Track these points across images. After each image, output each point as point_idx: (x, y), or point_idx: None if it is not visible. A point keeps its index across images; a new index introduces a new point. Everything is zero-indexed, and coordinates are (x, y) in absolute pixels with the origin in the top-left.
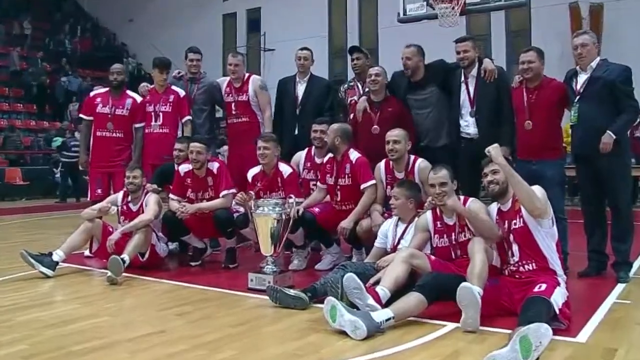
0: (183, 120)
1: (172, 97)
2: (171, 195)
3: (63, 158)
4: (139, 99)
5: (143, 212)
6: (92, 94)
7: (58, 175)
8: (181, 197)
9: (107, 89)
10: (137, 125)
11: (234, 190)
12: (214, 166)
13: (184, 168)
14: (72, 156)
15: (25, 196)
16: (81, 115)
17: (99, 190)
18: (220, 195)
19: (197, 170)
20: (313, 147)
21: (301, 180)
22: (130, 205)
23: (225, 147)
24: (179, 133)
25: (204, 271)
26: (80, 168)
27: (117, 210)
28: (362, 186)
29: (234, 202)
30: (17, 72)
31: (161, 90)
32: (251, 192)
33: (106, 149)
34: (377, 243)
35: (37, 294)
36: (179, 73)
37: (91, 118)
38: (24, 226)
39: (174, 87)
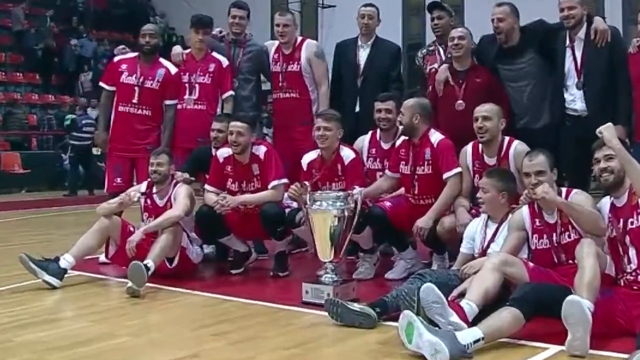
0: (224, 96)
1: (212, 66)
2: (207, 187)
3: (73, 140)
4: (173, 70)
5: (171, 207)
6: (116, 59)
7: (67, 161)
8: (220, 189)
9: (135, 54)
10: (168, 102)
11: (285, 181)
12: (261, 150)
13: (223, 153)
14: (84, 138)
15: (26, 187)
16: (102, 84)
17: (119, 180)
18: (269, 186)
19: (239, 156)
20: (378, 130)
21: (366, 170)
22: (156, 198)
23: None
24: (218, 110)
25: (248, 281)
26: (96, 151)
27: (140, 205)
28: (445, 175)
29: (285, 196)
30: (21, 33)
31: (199, 57)
32: (306, 182)
33: (129, 128)
34: (464, 248)
35: (41, 308)
36: (220, 32)
37: (113, 88)
38: (24, 225)
39: (215, 54)
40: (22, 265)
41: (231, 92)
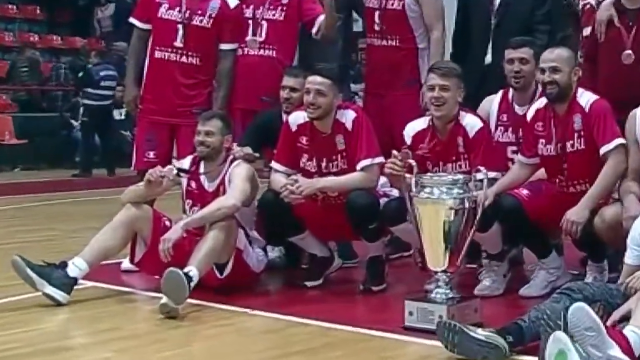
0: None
1: None
2: (274, 165)
3: (86, 99)
4: (232, 1)
5: (224, 193)
6: None
7: (77, 129)
8: (291, 169)
9: None
10: (225, 47)
11: (380, 159)
12: (348, 117)
13: (297, 119)
14: (102, 96)
15: (20, 164)
16: (133, 20)
17: (151, 154)
18: (358, 166)
19: (318, 123)
20: (510, 89)
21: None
22: (204, 181)
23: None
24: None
25: (328, 297)
26: (119, 114)
27: (181, 190)
28: (603, 149)
29: (381, 181)
30: None
31: None
32: (407, 151)
33: (169, 82)
34: (629, 257)
35: (41, 334)
36: None
37: (149, 26)
38: (18, 217)
39: None
40: (15, 272)
41: (316, 30)
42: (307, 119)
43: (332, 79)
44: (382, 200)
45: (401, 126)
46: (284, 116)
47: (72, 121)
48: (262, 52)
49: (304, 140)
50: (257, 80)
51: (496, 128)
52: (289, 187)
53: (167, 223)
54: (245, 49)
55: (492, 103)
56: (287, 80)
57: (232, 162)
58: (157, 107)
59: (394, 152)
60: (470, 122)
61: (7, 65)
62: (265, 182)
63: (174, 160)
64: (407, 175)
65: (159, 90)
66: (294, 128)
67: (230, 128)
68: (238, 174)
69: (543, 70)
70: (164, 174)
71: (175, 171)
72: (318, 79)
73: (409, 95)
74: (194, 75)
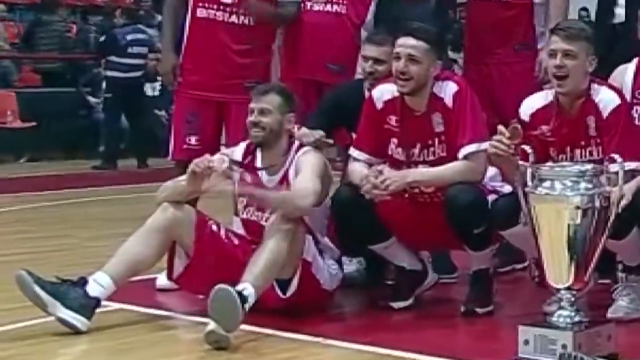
0: None
1: None
2: (353, 153)
3: (110, 71)
4: None
5: (288, 188)
6: None
7: (99, 108)
8: (375, 157)
9: None
10: None
11: (485, 146)
12: (448, 91)
13: (382, 94)
14: (131, 66)
15: (28, 154)
16: None
17: (193, 140)
18: (460, 154)
19: (410, 99)
20: None
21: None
22: (262, 175)
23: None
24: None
25: (422, 321)
26: (152, 89)
27: (233, 185)
28: None
29: (491, 172)
30: None
31: None
32: (517, 126)
33: (217, 48)
34: None
35: None
36: None
37: None
38: (25, 221)
39: None
40: (20, 291)
41: None
42: (397, 94)
43: (430, 42)
44: (490, 198)
45: (511, 102)
46: (365, 91)
47: (92, 98)
48: (328, 7)
49: (392, 120)
50: (323, 43)
51: (632, 107)
52: (371, 181)
53: (215, 228)
54: (308, 3)
55: (624, 74)
56: (370, 50)
57: (298, 149)
58: (201, 80)
59: (500, 127)
60: (605, 98)
61: (22, 27)
62: (339, 175)
63: (222, 148)
64: (521, 162)
65: (203, 58)
66: (379, 105)
67: (292, 105)
68: (307, 166)
69: None
70: (214, 165)
71: (226, 162)
72: (411, 41)
73: (520, 63)
74: (246, 39)
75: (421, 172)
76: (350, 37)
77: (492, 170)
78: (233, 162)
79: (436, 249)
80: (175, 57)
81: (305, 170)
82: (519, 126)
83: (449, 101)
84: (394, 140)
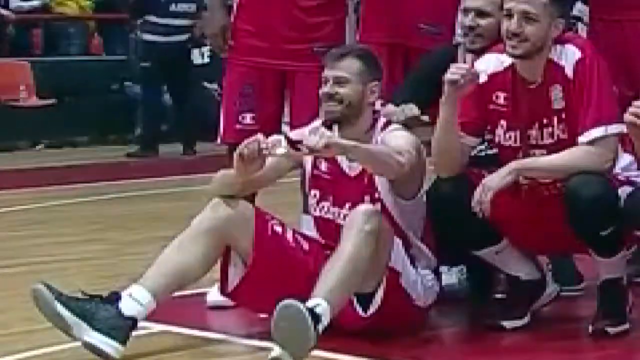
0: None
1: None
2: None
3: (148, 34)
4: None
5: (372, 179)
6: None
7: (134, 81)
8: (478, 139)
9: None
10: None
11: (620, 128)
12: (569, 57)
13: (488, 64)
14: (174, 28)
15: (46, 139)
16: None
17: (248, 117)
18: (584, 137)
19: (522, 67)
20: None
21: None
22: (341, 160)
23: None
24: None
25: (540, 343)
26: (200, 56)
27: (304, 175)
28: None
29: (625, 163)
30: None
31: None
32: None
33: (278, 4)
34: None
35: None
36: None
37: None
38: (45, 222)
39: None
40: (38, 309)
41: None
42: (506, 64)
43: None
44: (623, 191)
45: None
46: (467, 57)
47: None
48: None
49: (500, 98)
50: (410, 2)
51: None
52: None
53: (279, 229)
54: None
55: None
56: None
57: (384, 127)
58: (259, 44)
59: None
60: None
61: None
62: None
63: (284, 127)
64: None
65: (261, 18)
66: (483, 78)
67: (376, 71)
68: (398, 138)
69: None
70: (267, 147)
71: (284, 144)
72: None
73: None
74: None
75: (536, 162)
76: None
77: (627, 158)
78: (296, 143)
79: (557, 253)
80: (226, 17)
81: (396, 141)
82: None
83: (569, 70)
84: (503, 123)
